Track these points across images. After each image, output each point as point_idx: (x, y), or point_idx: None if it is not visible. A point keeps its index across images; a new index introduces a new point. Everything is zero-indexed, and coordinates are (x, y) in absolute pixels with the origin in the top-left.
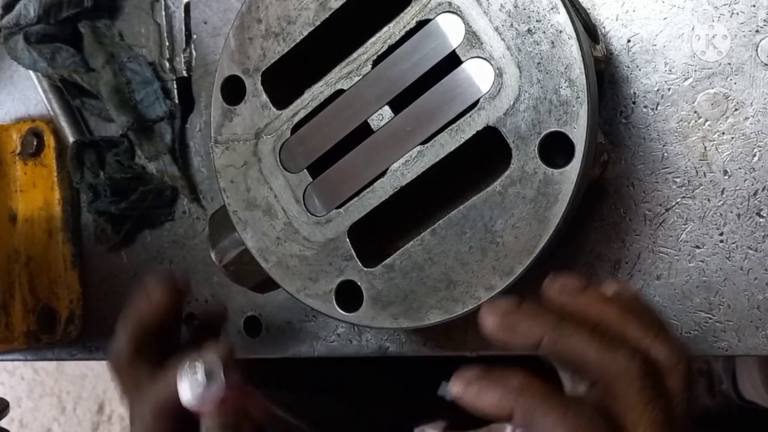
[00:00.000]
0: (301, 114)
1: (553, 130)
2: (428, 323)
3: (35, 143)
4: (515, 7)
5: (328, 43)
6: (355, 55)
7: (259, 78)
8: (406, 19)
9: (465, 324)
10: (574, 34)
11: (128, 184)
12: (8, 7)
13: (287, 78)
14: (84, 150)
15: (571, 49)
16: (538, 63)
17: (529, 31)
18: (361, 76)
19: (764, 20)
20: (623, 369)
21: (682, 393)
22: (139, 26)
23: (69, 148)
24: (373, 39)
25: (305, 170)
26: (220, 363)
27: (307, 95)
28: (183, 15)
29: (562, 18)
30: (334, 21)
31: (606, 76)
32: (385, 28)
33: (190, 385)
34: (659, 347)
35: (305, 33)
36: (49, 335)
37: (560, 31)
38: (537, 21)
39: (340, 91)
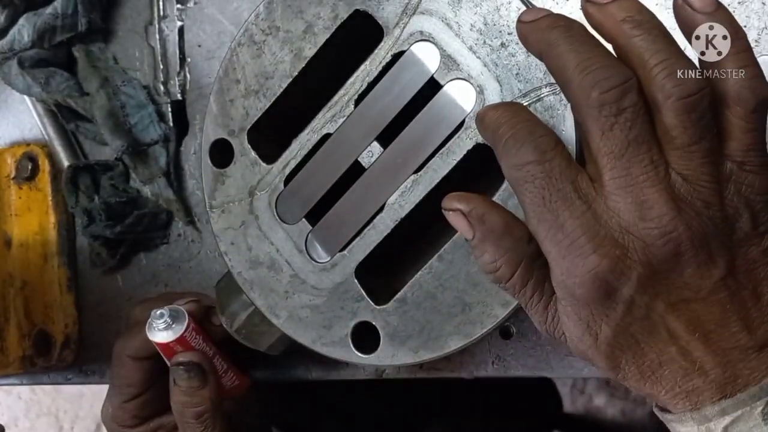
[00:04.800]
0: (292, 164)
1: None
2: (449, 351)
3: (30, 167)
4: (485, 24)
5: (308, 91)
6: (336, 97)
7: (245, 137)
8: (381, 55)
9: None
10: None
11: (123, 208)
12: (2, 32)
13: (273, 132)
14: (79, 174)
15: None
16: (517, 74)
17: (502, 44)
18: (345, 118)
19: (755, 41)
20: (585, 95)
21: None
22: (134, 50)
23: (64, 172)
24: (351, 79)
25: (304, 219)
26: (184, 311)
27: (295, 145)
28: (177, 38)
29: None
30: (311, 69)
31: None
32: (362, 67)
33: (157, 327)
34: (663, 72)
35: (284, 85)
36: (44, 359)
37: None
38: (508, 34)
39: (327, 136)
